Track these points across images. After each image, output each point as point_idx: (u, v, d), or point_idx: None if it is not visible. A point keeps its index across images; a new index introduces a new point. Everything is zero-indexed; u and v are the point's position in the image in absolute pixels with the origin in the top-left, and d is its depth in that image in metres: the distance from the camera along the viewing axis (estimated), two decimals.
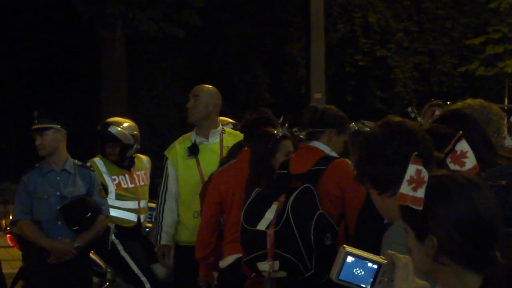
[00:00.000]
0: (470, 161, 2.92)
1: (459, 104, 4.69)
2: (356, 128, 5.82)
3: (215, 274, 5.72)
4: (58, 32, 19.08)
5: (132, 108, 18.01)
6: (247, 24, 20.70)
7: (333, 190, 4.90)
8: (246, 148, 5.61)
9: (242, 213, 4.95)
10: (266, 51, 21.70)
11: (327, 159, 5.03)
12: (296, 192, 4.79)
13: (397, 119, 3.17)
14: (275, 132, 5.38)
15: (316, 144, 5.15)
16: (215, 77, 19.41)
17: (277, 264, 4.74)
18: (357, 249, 2.16)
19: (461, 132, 3.04)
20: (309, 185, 4.82)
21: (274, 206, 4.81)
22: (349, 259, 2.14)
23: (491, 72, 19.14)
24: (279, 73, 21.72)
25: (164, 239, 6.36)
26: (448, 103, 6.25)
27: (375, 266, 2.14)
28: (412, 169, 2.26)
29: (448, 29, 21.87)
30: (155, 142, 18.64)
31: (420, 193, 2.25)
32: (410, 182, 2.26)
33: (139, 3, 16.93)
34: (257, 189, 5.04)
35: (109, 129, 7.22)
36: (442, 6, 21.95)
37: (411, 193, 2.25)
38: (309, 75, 17.52)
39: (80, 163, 6.51)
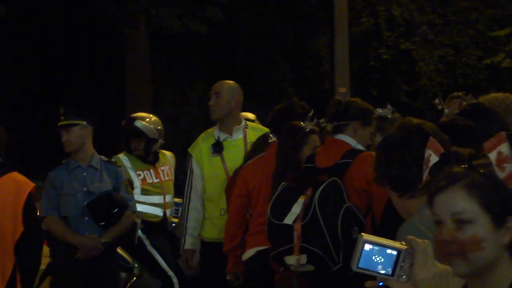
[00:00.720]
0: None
1: (485, 97, 4.66)
2: (382, 112, 5.80)
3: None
4: (82, 29, 19.16)
5: (156, 105, 18.05)
6: (270, 19, 20.67)
7: (359, 183, 4.88)
8: (275, 140, 5.61)
9: (269, 207, 4.94)
10: (290, 46, 21.65)
11: (353, 152, 5.01)
12: (322, 186, 4.78)
13: (416, 121, 3.15)
14: (303, 125, 5.37)
15: (341, 137, 5.13)
16: (239, 73, 19.41)
17: (304, 258, 4.73)
18: (375, 237, 2.14)
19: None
20: (336, 179, 4.81)
21: (300, 200, 4.80)
22: (367, 246, 2.12)
23: None
24: (303, 68, 21.66)
25: (188, 243, 6.35)
26: (469, 95, 6.26)
27: (395, 253, 2.12)
28: (494, 154, 2.24)
29: (473, 21, 21.74)
30: (178, 139, 18.67)
31: (509, 169, 2.23)
32: (497, 163, 2.24)
33: (162, 0, 16.95)
34: (283, 183, 5.03)
35: (134, 123, 7.25)
36: None
37: (502, 174, 2.23)
38: (333, 69, 17.48)
39: (106, 159, 6.53)
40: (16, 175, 5.29)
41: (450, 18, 21.86)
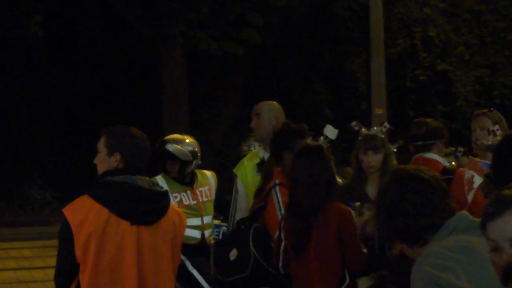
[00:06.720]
0: None
1: None
2: None
3: None
4: (119, 52, 19.32)
5: (192, 126, 18.12)
6: (306, 41, 20.72)
7: (463, 197, 4.99)
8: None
9: None
10: (326, 67, 21.68)
11: (448, 169, 5.31)
12: None
13: (409, 168, 3.18)
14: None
15: (431, 155, 5.47)
16: (275, 94, 19.43)
17: None
18: None
19: None
20: None
21: None
22: None
23: None
24: (339, 89, 21.67)
25: None
26: (494, 110, 6.36)
27: None
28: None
29: (510, 42, 21.66)
30: (215, 160, 18.70)
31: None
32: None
33: (199, 22, 17.06)
34: None
35: (165, 146, 7.25)
36: (503, 18, 21.77)
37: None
38: (370, 90, 17.46)
39: None
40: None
41: (486, 39, 21.79)
